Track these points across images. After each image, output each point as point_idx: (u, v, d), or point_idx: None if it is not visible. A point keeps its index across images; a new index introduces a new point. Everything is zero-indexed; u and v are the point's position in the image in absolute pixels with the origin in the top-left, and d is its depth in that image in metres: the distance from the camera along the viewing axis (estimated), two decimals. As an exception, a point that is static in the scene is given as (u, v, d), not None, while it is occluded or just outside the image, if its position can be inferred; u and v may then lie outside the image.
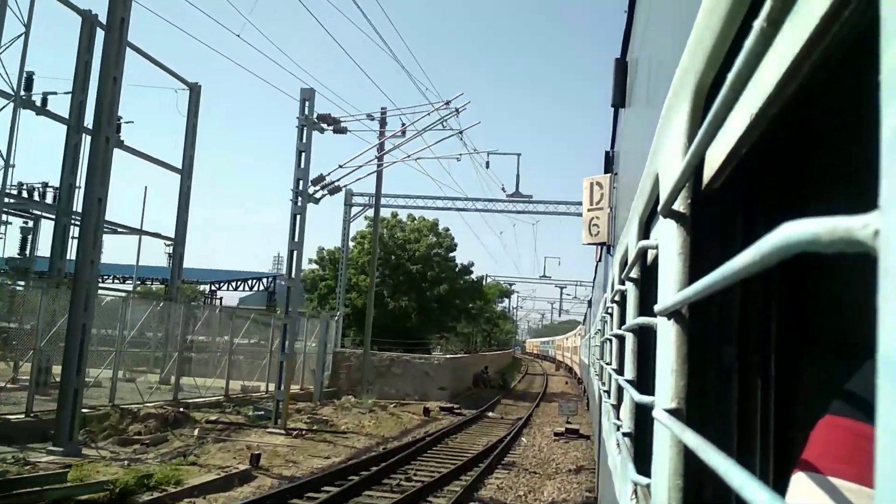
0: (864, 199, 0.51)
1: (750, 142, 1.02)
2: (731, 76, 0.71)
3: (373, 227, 31.06)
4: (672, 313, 1.23)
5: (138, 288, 55.33)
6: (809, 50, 0.72)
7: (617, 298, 3.31)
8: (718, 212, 1.38)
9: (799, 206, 1.46)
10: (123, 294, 22.09)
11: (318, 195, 19.53)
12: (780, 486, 1.04)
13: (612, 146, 6.44)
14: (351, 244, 38.96)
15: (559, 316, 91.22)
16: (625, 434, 2.44)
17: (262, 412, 18.74)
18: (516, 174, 33.23)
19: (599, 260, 10.71)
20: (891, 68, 0.41)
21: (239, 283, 61.07)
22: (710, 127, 0.89)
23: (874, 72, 0.44)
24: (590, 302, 25.99)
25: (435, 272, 40.95)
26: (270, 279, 60.22)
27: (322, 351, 26.09)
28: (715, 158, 1.17)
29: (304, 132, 18.36)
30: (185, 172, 23.78)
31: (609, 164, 6.79)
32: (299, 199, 18.21)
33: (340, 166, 20.27)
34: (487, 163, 30.97)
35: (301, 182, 18.28)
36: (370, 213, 35.16)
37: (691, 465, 1.14)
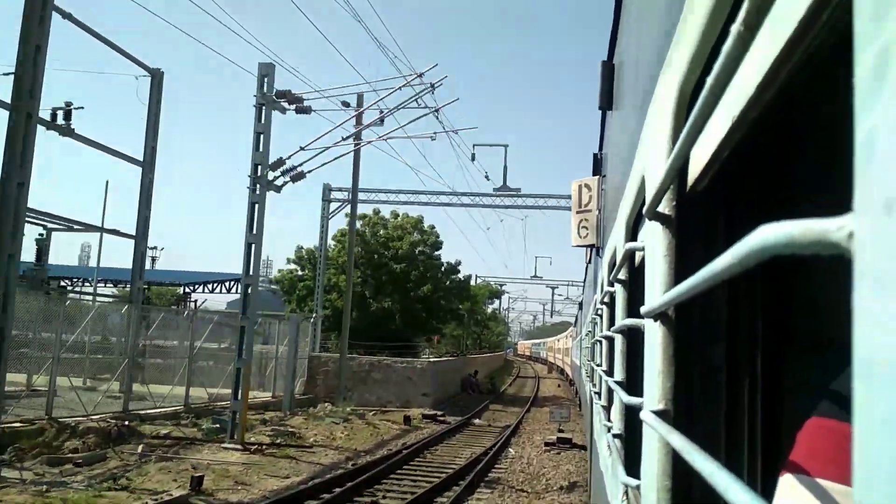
0: (844, 201, 0.51)
1: (732, 144, 1.03)
2: (710, 80, 0.72)
3: (350, 220, 28.57)
4: (658, 315, 1.23)
5: (115, 291, 52.15)
6: (787, 54, 0.72)
7: (606, 300, 3.32)
8: (703, 214, 1.39)
9: (781, 208, 1.47)
10: (110, 299, 21.03)
11: (279, 182, 17.13)
12: (768, 487, 1.04)
13: (601, 148, 6.46)
14: (332, 243, 37.72)
15: (551, 317, 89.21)
16: (615, 435, 2.44)
17: (219, 424, 16.51)
18: (503, 166, 31.32)
19: (589, 262, 10.75)
20: (864, 73, 0.42)
21: (216, 284, 56.78)
22: (693, 129, 0.90)
23: (850, 76, 0.44)
24: (580, 304, 26.05)
25: (419, 271, 38.82)
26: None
27: (292, 355, 23.31)
28: (698, 161, 1.18)
29: (263, 112, 16.17)
30: (147, 165, 21.20)
31: (597, 166, 6.82)
32: (258, 186, 16.09)
33: (302, 148, 17.22)
34: (473, 155, 29.36)
35: (259, 168, 16.16)
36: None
37: (679, 466, 1.14)
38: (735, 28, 0.58)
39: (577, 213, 6.61)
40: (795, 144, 1.46)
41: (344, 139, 18.98)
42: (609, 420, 2.92)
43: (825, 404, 1.01)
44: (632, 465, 1.78)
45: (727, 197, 1.48)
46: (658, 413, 1.18)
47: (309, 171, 17.33)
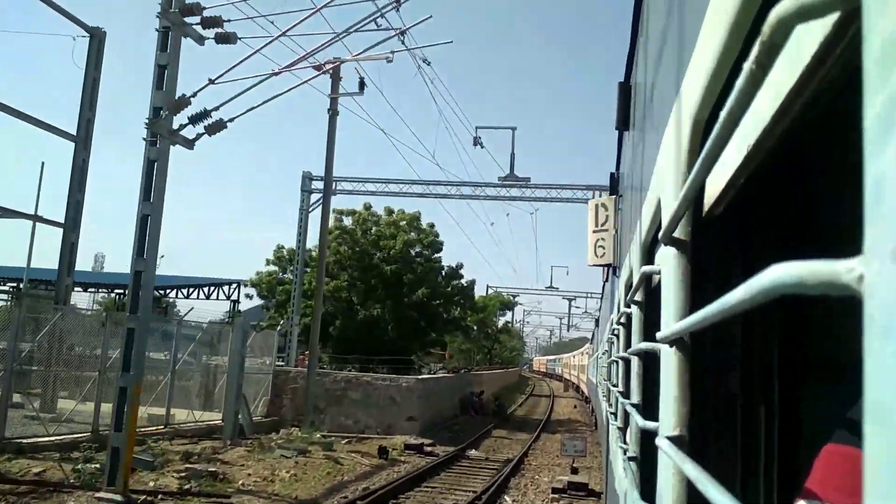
0: (856, 232, 0.52)
1: (747, 173, 1.03)
2: (723, 113, 0.73)
3: (322, 207, 22.58)
4: (674, 341, 1.23)
5: (99, 298, 47.48)
6: (800, 88, 0.73)
7: (623, 321, 3.31)
8: (718, 240, 1.40)
9: (797, 237, 1.47)
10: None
11: (185, 131, 11.76)
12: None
13: (617, 168, 6.47)
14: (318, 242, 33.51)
15: (567, 331, 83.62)
16: (630, 458, 2.43)
17: (99, 465, 11.39)
18: (511, 153, 26.65)
19: (606, 280, 10.71)
20: (873, 119, 0.42)
21: (212, 289, 50.69)
22: (708, 158, 0.91)
23: (860, 115, 0.45)
24: (596, 320, 25.86)
25: (414, 274, 33.28)
26: (235, 286, 48.74)
27: (236, 369, 18.05)
28: (714, 188, 1.19)
29: (169, 38, 11.56)
30: (81, 141, 17.33)
31: (614, 186, 6.81)
32: (157, 138, 11.43)
33: (212, 81, 11.67)
34: (476, 139, 25.65)
35: (161, 112, 11.34)
36: (338, 204, 30.70)
37: (694, 494, 1.14)
38: (747, 66, 0.59)
39: (594, 231, 6.60)
40: (811, 174, 1.46)
41: (276, 73, 12.98)
42: (625, 442, 2.90)
43: (841, 431, 1.00)
44: (647, 488, 1.77)
45: (743, 224, 1.48)
46: (673, 439, 1.18)
47: (230, 120, 11.94)
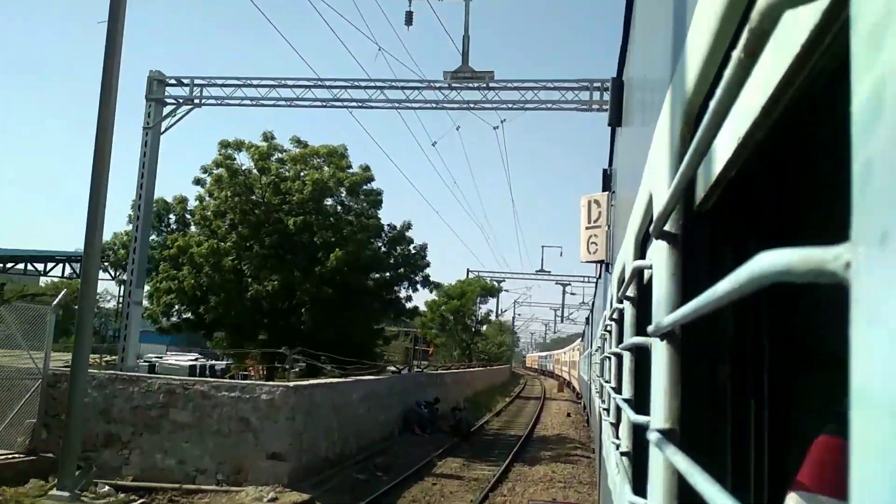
0: (847, 224, 0.52)
1: (738, 165, 1.03)
2: (713, 103, 0.73)
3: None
4: (665, 334, 1.23)
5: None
6: (791, 78, 0.73)
7: (615, 317, 3.31)
8: (710, 233, 1.40)
9: (789, 231, 1.47)
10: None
11: None
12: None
13: (610, 164, 6.47)
14: (199, 190, 24.01)
15: (561, 321, 71.46)
16: (623, 454, 2.43)
17: None
18: (463, 37, 17.45)
19: (599, 277, 10.73)
20: (861, 104, 0.42)
21: (51, 263, 41.84)
22: (697, 150, 0.90)
23: (849, 103, 0.45)
24: (587, 319, 25.91)
25: (334, 232, 22.07)
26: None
27: None
28: (706, 180, 1.18)
29: None
30: None
31: (607, 182, 6.82)
32: None
33: None
34: (409, 14, 17.61)
35: None
36: (205, 120, 18.99)
37: (685, 487, 1.14)
38: (736, 54, 0.59)
39: (587, 228, 6.61)
40: (803, 166, 1.47)
41: None
42: (617, 437, 2.90)
43: (832, 424, 1.00)
44: (640, 482, 1.77)
45: (735, 217, 1.48)
46: (664, 433, 1.18)
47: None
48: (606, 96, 15.78)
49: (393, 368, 27.13)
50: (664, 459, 1.17)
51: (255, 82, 19.03)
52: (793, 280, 0.44)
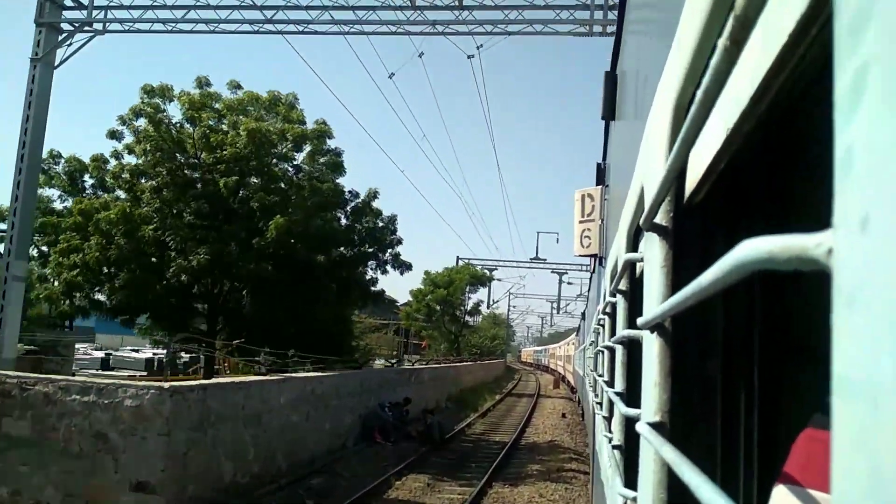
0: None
1: (728, 156, 1.03)
2: (700, 92, 0.72)
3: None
4: (655, 326, 1.23)
5: None
6: (779, 67, 0.73)
7: (608, 310, 3.32)
8: (700, 225, 1.40)
9: (780, 221, 1.47)
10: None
11: None
12: (764, 500, 1.04)
13: (604, 158, 6.48)
14: (116, 145, 19.11)
15: (558, 313, 67.44)
16: (614, 447, 2.44)
17: None
18: None
19: (593, 272, 10.76)
20: (843, 89, 0.42)
21: None
22: (686, 140, 0.90)
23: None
24: (583, 314, 25.98)
25: (275, 197, 17.98)
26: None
27: None
28: (695, 172, 1.18)
29: None
30: None
31: (601, 176, 6.83)
32: None
33: None
34: None
35: None
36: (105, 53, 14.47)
37: (674, 479, 1.14)
38: (721, 42, 0.59)
39: (581, 222, 6.62)
40: (794, 157, 1.47)
41: None
42: (610, 431, 2.91)
43: (820, 415, 1.01)
44: (632, 476, 1.78)
45: (725, 209, 1.48)
46: (654, 425, 1.18)
47: None
48: (612, 15, 12.77)
49: (380, 363, 24.75)
50: (654, 452, 1.18)
51: (169, 2, 15.64)
52: (776, 268, 0.44)
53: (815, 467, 0.96)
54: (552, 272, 51.96)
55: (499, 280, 57.52)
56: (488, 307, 56.44)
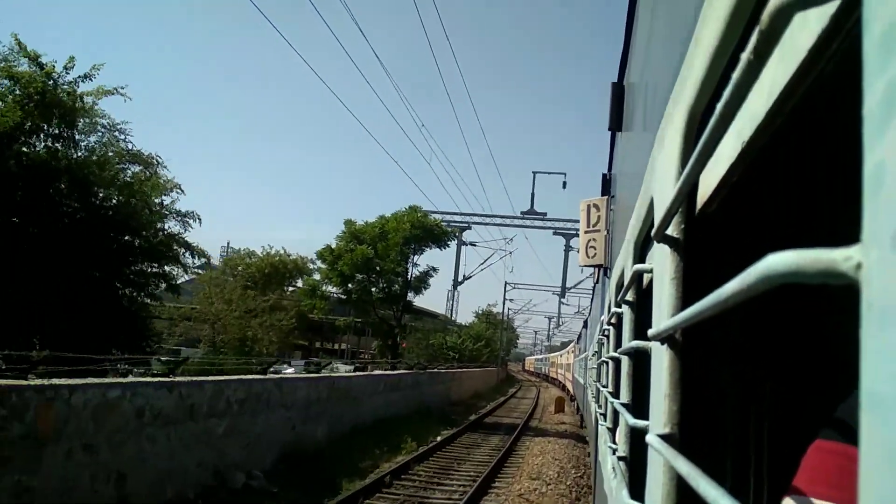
0: (853, 230, 0.52)
1: (742, 169, 1.03)
2: (720, 105, 0.72)
3: None
4: (665, 338, 1.23)
5: None
6: (798, 81, 0.73)
7: (613, 321, 3.31)
8: (712, 237, 1.40)
9: (792, 234, 1.47)
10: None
11: None
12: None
13: (610, 169, 6.48)
14: None
15: (564, 297, 50.73)
16: (620, 458, 2.43)
17: None
18: None
19: (597, 281, 10.74)
20: (873, 105, 0.42)
21: None
22: (702, 153, 0.90)
23: (860, 106, 0.45)
24: (585, 322, 25.89)
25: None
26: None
27: None
28: (708, 184, 1.18)
29: None
30: None
31: (606, 186, 6.83)
32: None
33: None
34: None
35: None
36: None
37: (684, 492, 1.14)
38: (745, 56, 0.59)
39: (586, 232, 6.61)
40: (808, 170, 1.47)
41: None
42: (614, 442, 2.90)
43: (829, 427, 1.00)
44: (637, 487, 1.77)
45: (737, 221, 1.48)
46: (664, 437, 1.18)
47: None
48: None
49: (290, 370, 15.41)
50: (664, 463, 1.17)
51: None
52: (803, 281, 0.44)
53: (825, 478, 0.95)
54: (554, 233, 34.60)
55: (473, 245, 39.50)
56: (455, 285, 39.30)
